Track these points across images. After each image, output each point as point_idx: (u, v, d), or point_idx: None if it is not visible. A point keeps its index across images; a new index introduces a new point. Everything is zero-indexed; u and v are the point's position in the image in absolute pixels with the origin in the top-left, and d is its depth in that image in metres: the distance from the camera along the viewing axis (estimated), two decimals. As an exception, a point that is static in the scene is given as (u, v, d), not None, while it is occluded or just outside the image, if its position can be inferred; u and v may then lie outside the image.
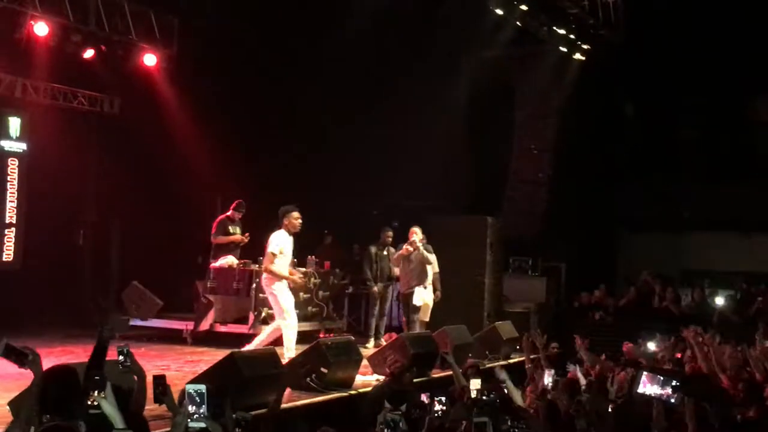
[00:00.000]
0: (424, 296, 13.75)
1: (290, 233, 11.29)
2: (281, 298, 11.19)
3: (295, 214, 11.26)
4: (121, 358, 5.91)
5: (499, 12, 15.99)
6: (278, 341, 11.14)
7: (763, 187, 18.49)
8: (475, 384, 6.50)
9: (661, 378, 6.79)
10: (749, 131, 19.46)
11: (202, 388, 4.97)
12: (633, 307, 17.12)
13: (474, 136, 18.72)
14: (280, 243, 11.16)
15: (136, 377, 6.09)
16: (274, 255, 11.08)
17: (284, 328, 11.13)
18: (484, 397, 6.13)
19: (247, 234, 13.66)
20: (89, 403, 4.99)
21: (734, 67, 18.05)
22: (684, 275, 18.65)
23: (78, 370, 5.42)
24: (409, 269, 13.78)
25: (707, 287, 17.25)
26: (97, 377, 5.06)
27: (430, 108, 17.33)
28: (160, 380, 5.39)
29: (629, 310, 17.13)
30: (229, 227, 13.58)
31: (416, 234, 13.68)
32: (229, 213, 13.63)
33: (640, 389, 6.82)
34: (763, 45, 17.36)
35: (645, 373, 6.94)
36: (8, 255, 15.47)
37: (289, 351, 10.95)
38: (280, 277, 11.11)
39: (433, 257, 14.24)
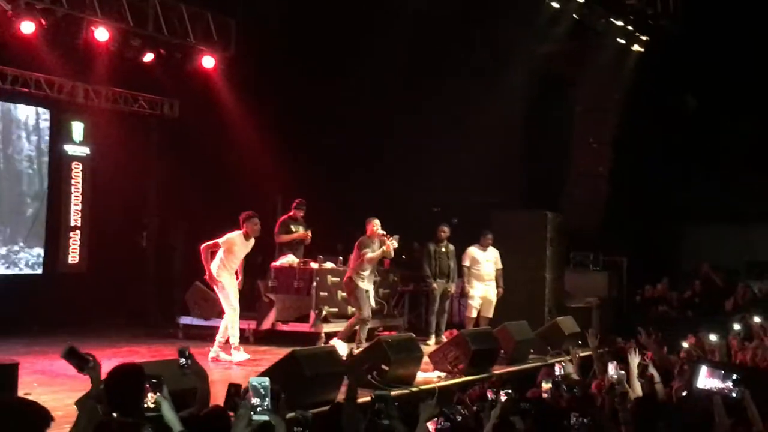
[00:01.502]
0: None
1: (247, 238, 11.63)
2: (229, 289, 11.55)
3: (256, 220, 11.69)
4: (182, 360, 5.95)
5: (556, 5, 15.88)
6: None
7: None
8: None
9: (722, 371, 6.66)
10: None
11: (266, 381, 4.98)
12: (698, 300, 16.92)
13: (532, 131, 18.59)
14: (232, 242, 11.54)
15: (198, 378, 6.16)
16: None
17: (233, 318, 11.51)
18: None
19: (309, 230, 13.79)
20: (146, 405, 5.05)
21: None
22: (748, 267, 18.34)
23: (145, 368, 5.49)
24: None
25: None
26: (154, 380, 5.12)
27: (487, 103, 17.25)
28: (236, 388, 5.41)
29: (693, 303, 16.94)
30: (291, 226, 13.71)
31: (377, 226, 12.85)
32: (291, 213, 13.76)
33: (700, 383, 6.70)
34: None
35: (705, 366, 6.82)
36: (74, 257, 15.78)
37: (234, 338, 11.49)
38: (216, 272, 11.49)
39: (496, 253, 14.35)
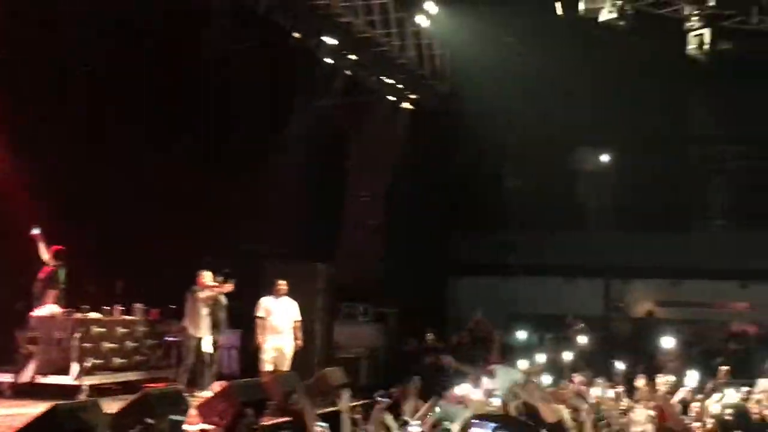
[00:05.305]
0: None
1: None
2: None
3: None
4: None
5: (330, 61, 16.19)
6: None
7: (585, 234, 19.28)
8: None
9: (489, 423, 7.01)
10: (571, 180, 20.26)
11: None
12: (467, 349, 17.48)
13: (311, 183, 18.76)
14: None
15: None
16: None
17: None
18: None
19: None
20: None
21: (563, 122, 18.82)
22: (510, 318, 19.16)
23: None
24: (203, 315, 13.47)
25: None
26: None
27: (268, 154, 17.30)
28: None
29: (463, 352, 17.46)
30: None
31: (206, 277, 13.42)
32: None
33: None
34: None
35: (473, 419, 7.17)
36: None
37: None
38: None
39: (293, 305, 14.23)
